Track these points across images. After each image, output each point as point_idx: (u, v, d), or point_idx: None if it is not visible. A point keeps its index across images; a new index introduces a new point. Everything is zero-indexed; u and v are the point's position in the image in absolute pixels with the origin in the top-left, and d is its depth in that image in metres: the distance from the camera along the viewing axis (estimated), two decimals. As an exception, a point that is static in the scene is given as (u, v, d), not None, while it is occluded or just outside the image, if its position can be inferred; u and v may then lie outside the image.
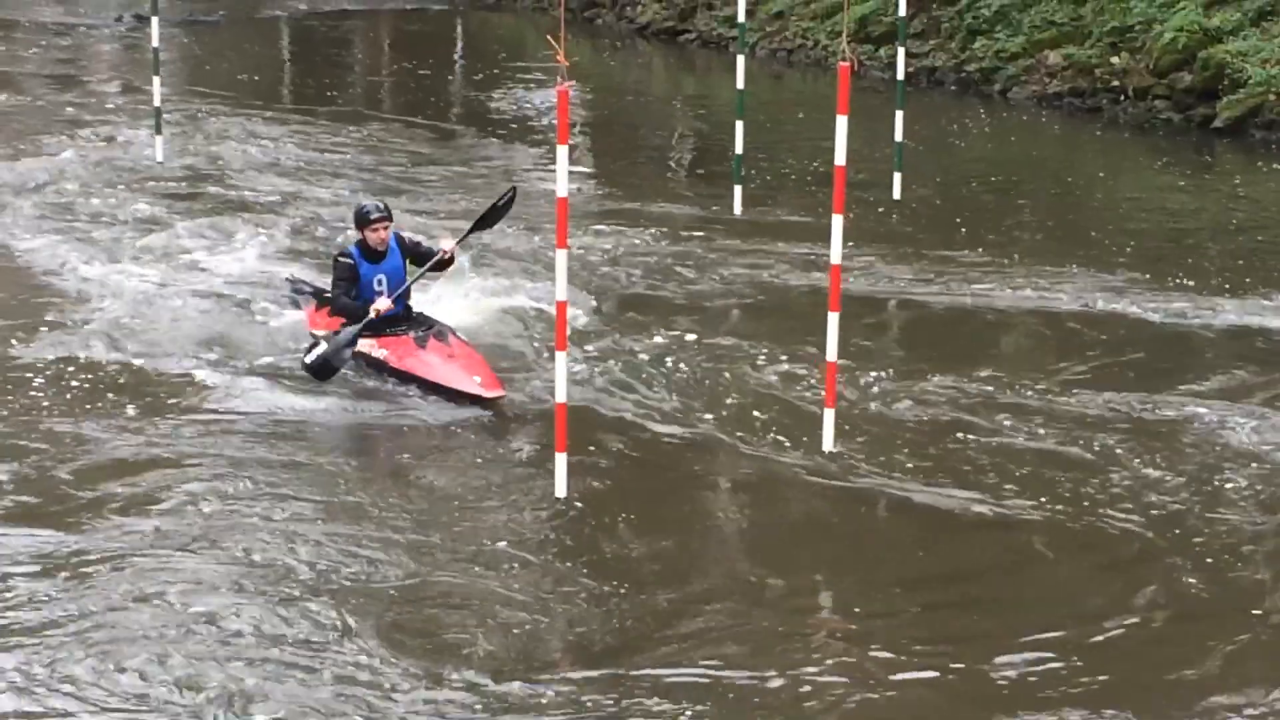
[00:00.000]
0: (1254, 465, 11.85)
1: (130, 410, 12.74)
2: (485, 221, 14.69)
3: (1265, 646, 9.49)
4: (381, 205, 13.84)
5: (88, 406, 12.78)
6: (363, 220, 13.57)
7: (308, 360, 13.27)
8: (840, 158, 11.51)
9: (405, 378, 13.35)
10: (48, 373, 13.47)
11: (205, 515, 10.86)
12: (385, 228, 13.55)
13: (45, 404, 12.85)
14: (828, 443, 11.73)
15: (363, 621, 9.45)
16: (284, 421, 12.70)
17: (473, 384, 12.98)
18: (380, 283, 13.55)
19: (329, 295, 14.02)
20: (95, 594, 9.66)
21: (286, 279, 15.70)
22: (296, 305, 15.05)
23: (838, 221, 11.44)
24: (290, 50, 33.66)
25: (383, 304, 13.37)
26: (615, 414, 12.91)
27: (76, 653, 8.91)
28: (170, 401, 13.02)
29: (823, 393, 12.16)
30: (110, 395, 13.07)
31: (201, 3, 37.10)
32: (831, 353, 11.58)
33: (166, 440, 12.18)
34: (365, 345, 13.44)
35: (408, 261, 13.76)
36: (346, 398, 13.26)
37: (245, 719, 8.43)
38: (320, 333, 13.92)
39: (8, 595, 9.64)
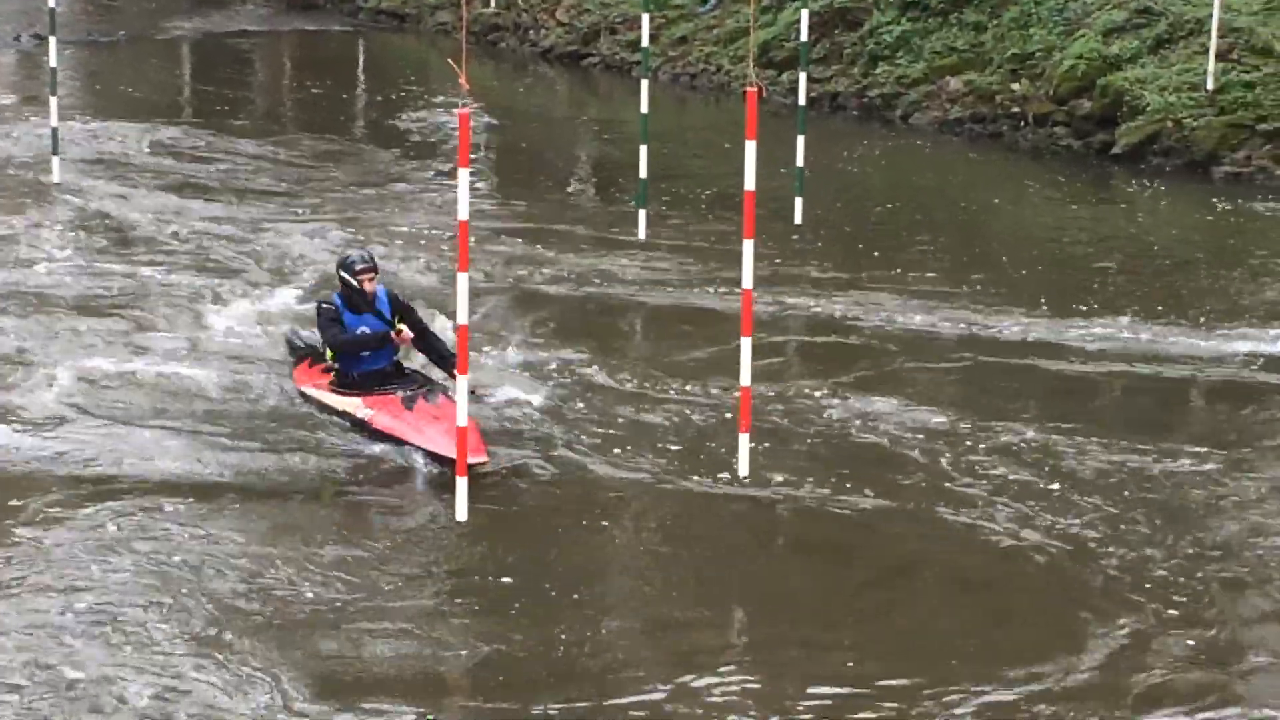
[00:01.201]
0: (1149, 488, 12.01)
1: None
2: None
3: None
4: (367, 255, 13.51)
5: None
6: (348, 269, 13.19)
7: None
8: (750, 183, 11.52)
9: (386, 438, 12.81)
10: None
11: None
12: (370, 279, 13.15)
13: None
14: (743, 468, 11.54)
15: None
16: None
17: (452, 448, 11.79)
18: (365, 333, 13.17)
19: (316, 348, 13.72)
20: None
21: (285, 333, 14.79)
22: (294, 359, 14.28)
23: (749, 246, 11.45)
24: (191, 69, 33.34)
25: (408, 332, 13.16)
26: (518, 442, 12.90)
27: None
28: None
29: (731, 416, 12.21)
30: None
31: (101, 23, 36.76)
32: (745, 378, 11.58)
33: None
34: (350, 405, 13.07)
35: (397, 318, 13.16)
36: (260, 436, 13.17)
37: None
38: (310, 390, 13.56)
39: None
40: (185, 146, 24.35)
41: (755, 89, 11.76)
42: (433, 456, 12.31)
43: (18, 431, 12.81)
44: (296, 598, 10.24)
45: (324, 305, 13.26)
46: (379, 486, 12.25)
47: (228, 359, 14.63)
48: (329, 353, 13.35)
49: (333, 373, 13.39)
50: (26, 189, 21.03)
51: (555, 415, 13.44)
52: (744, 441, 11.71)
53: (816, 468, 12.46)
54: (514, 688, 9.26)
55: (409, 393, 12.99)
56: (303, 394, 13.56)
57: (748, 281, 11.57)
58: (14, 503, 11.54)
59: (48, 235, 18.80)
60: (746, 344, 11.53)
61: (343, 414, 13.06)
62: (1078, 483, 12.22)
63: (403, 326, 13.10)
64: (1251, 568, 10.86)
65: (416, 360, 13.73)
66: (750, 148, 11.44)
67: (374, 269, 13.25)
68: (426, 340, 13.36)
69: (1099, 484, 12.19)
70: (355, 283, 13.08)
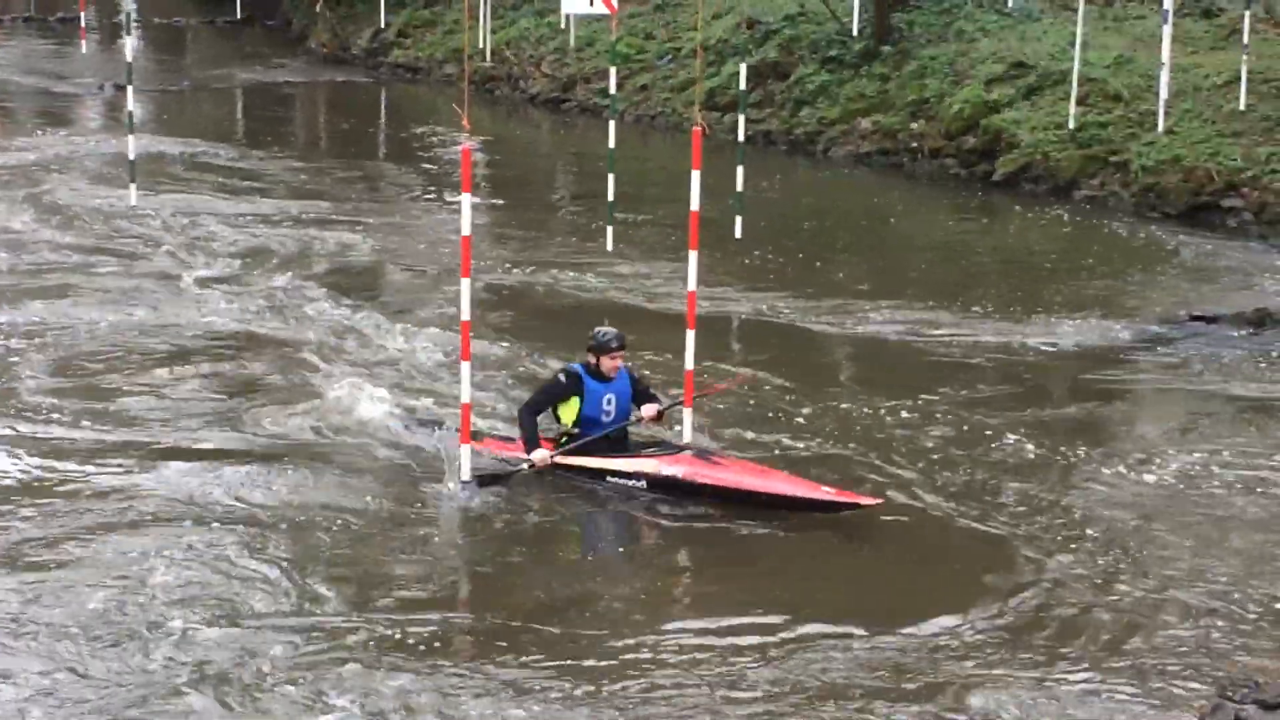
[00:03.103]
0: (1028, 472, 11.96)
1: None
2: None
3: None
4: (621, 336, 11.38)
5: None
6: (603, 349, 11.19)
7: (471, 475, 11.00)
8: (695, 204, 11.46)
9: (720, 493, 10.79)
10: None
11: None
12: (621, 358, 11.34)
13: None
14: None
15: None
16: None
17: (820, 491, 10.60)
18: (609, 402, 11.28)
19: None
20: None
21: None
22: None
23: (694, 257, 11.43)
24: (243, 110, 33.14)
25: (539, 456, 11.11)
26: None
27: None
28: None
29: (677, 391, 12.14)
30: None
31: (169, 76, 36.52)
32: (689, 362, 11.47)
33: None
34: (648, 466, 11.04)
35: (633, 393, 11.45)
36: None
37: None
38: (506, 455, 11.49)
39: None
40: (239, 174, 24.23)
41: (700, 128, 11.83)
42: (815, 504, 10.56)
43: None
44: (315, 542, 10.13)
45: (564, 376, 11.31)
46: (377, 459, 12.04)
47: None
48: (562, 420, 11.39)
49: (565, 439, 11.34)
50: (109, 211, 20.85)
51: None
52: (688, 415, 11.62)
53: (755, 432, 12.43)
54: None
55: (695, 451, 11.26)
56: (555, 465, 11.25)
57: (692, 284, 11.56)
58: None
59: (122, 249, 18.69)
60: (691, 335, 11.50)
61: (634, 474, 11.04)
62: (935, 446, 12.18)
63: (643, 412, 11.40)
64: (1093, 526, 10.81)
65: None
66: (695, 176, 11.46)
67: (624, 349, 11.39)
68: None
69: (954, 447, 12.17)
70: (609, 359, 11.23)
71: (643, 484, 11.00)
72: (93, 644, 8.53)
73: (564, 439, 11.31)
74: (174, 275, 17.36)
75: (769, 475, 10.91)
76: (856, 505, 10.50)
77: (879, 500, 10.73)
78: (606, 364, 11.22)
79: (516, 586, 9.64)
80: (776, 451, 11.94)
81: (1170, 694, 8.36)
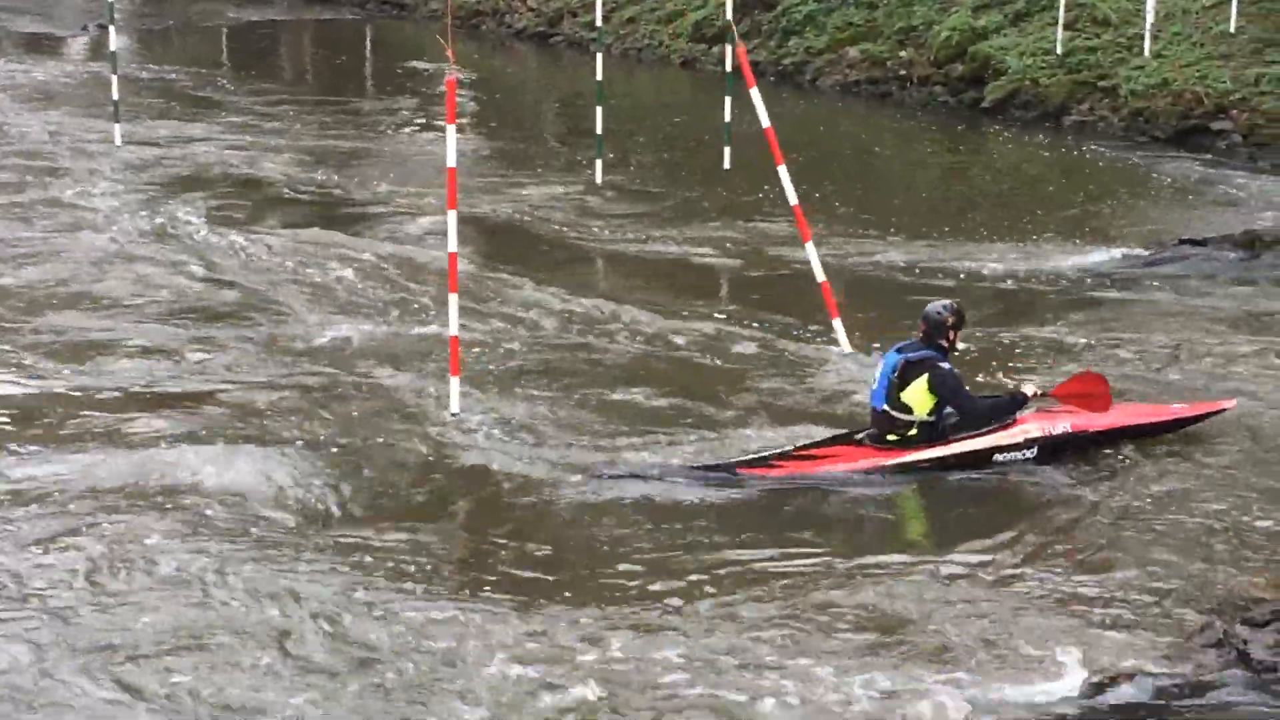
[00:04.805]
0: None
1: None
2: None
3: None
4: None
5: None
6: (961, 322, 10.27)
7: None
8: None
9: (1102, 437, 10.34)
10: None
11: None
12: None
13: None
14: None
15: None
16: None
17: (1182, 410, 10.59)
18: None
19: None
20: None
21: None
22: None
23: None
24: (228, 49, 32.87)
25: (1028, 388, 10.36)
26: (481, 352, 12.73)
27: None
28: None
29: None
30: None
31: (152, 16, 36.22)
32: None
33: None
34: (1024, 431, 10.24)
35: None
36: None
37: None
38: (953, 449, 10.21)
39: None
40: (226, 111, 24.02)
41: (743, 47, 11.33)
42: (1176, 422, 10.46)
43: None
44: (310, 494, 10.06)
45: (947, 369, 10.09)
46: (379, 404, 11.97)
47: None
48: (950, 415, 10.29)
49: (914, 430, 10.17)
50: (92, 152, 20.69)
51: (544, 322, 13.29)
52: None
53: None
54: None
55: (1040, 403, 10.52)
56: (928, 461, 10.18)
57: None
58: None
59: (111, 189, 18.51)
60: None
61: (1023, 444, 10.22)
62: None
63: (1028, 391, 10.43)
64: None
65: None
66: (755, 95, 11.18)
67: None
68: None
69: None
70: (956, 333, 10.27)
71: (1034, 451, 10.24)
72: (111, 564, 8.49)
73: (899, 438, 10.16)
74: (157, 211, 17.20)
75: (1126, 410, 10.56)
76: (1219, 410, 10.64)
77: (1233, 401, 10.83)
78: (955, 337, 10.27)
79: (505, 509, 9.59)
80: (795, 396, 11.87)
81: (1163, 615, 8.35)
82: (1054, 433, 10.28)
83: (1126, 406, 10.75)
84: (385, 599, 8.34)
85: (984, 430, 10.21)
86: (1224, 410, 10.70)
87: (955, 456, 10.15)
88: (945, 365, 10.08)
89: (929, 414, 10.11)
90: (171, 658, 7.64)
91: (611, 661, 7.71)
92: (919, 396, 10.06)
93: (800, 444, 10.24)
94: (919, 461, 10.09)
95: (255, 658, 7.65)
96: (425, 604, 8.31)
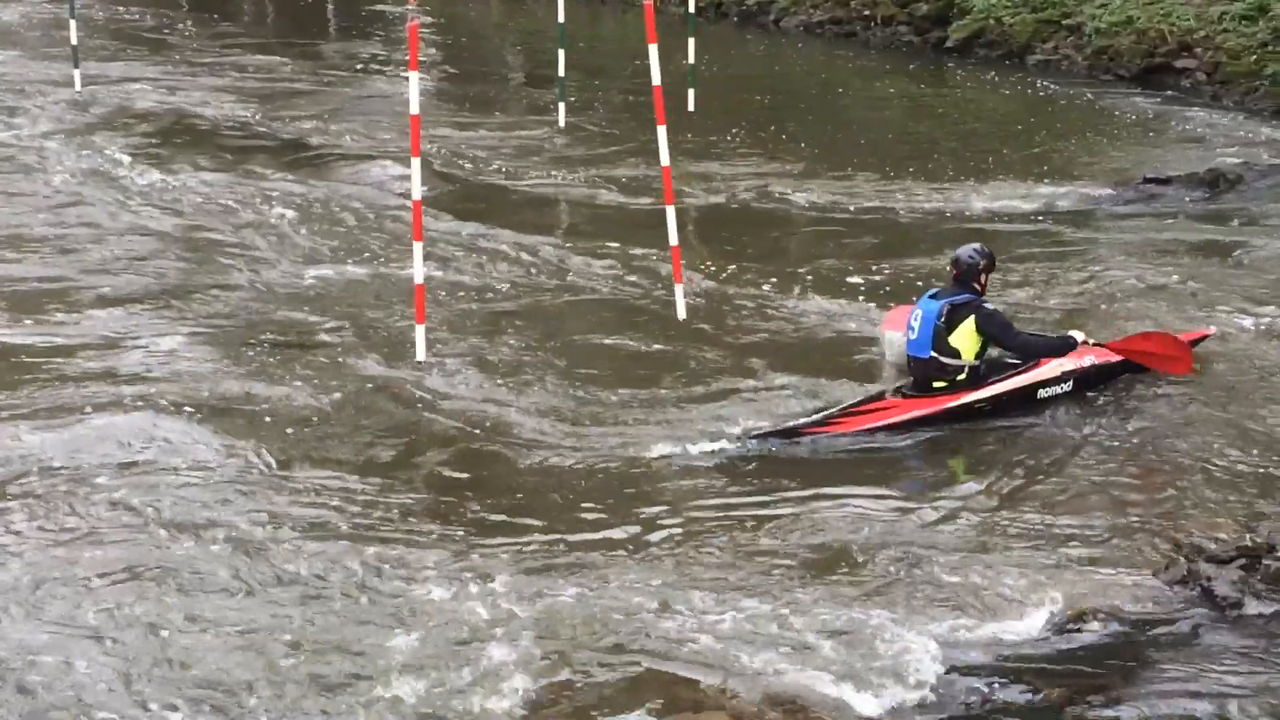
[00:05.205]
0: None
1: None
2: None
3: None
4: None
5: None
6: (992, 265, 10.34)
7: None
8: (656, 78, 11.16)
9: (1123, 369, 10.51)
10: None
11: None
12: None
13: None
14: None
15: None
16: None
17: (1180, 337, 10.60)
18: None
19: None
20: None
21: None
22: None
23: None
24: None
25: (1078, 335, 10.33)
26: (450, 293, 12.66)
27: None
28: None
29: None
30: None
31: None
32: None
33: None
34: (1068, 364, 10.27)
35: None
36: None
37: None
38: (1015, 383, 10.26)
39: None
40: (183, 57, 23.76)
41: (650, 2, 11.50)
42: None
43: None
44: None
45: (992, 309, 10.19)
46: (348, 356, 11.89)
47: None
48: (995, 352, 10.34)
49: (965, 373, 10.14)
50: (54, 98, 20.45)
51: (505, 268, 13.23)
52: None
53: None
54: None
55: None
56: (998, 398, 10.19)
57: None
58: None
59: (70, 134, 18.32)
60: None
61: (1061, 377, 10.30)
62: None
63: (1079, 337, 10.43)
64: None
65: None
66: (652, 50, 11.17)
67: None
68: None
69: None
70: (989, 275, 10.34)
71: (1070, 385, 10.31)
72: (114, 514, 8.47)
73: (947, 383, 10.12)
74: (116, 158, 17.02)
75: (1134, 339, 10.61)
76: (1204, 337, 10.89)
77: (1212, 329, 11.14)
78: (986, 279, 10.29)
79: (469, 455, 9.57)
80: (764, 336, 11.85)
81: (1134, 554, 8.41)
82: (1083, 365, 10.35)
83: (1135, 337, 10.73)
84: (336, 534, 8.38)
85: (1025, 367, 10.25)
86: (1207, 337, 10.95)
87: (1008, 394, 10.16)
88: (990, 305, 10.12)
89: (975, 357, 10.10)
90: (136, 584, 7.80)
91: (558, 602, 7.74)
92: (966, 340, 10.04)
93: (848, 404, 10.06)
94: (976, 402, 10.07)
95: (223, 582, 7.84)
96: (377, 542, 8.35)
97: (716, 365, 11.06)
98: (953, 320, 10.03)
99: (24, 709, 6.80)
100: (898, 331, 10.58)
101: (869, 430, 9.82)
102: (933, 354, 10.07)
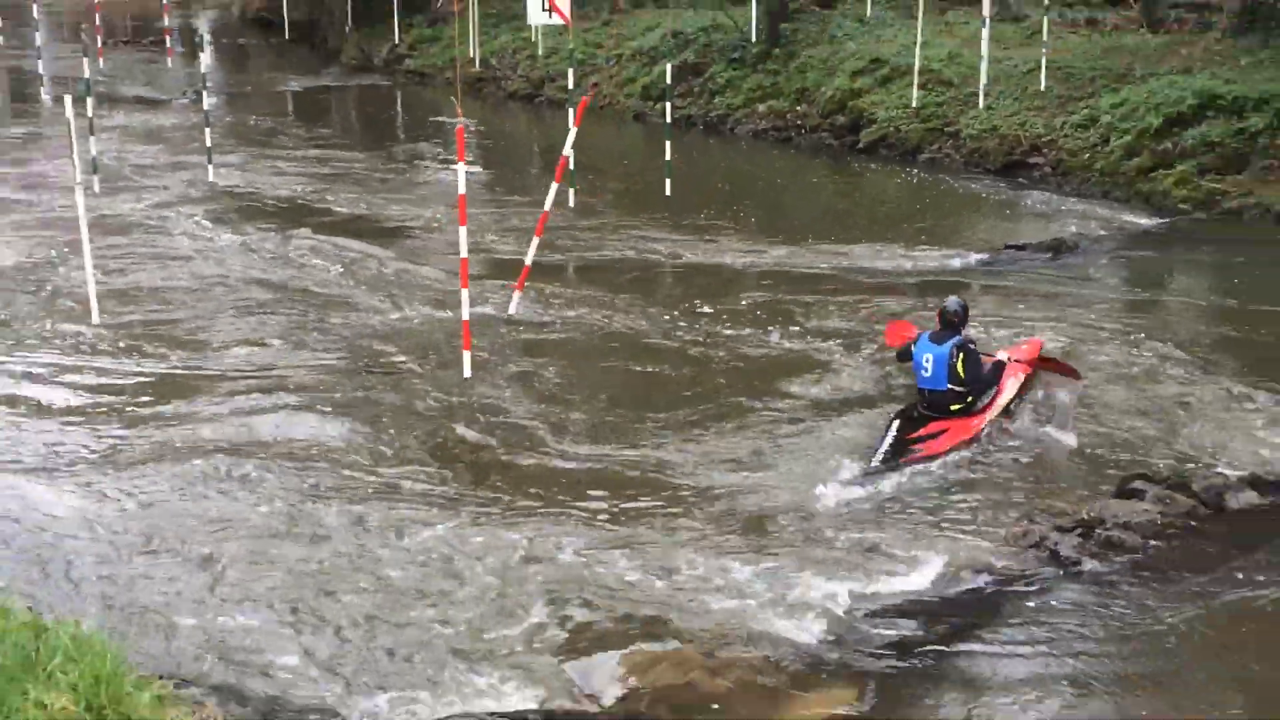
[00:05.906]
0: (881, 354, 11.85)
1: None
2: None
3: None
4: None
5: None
6: (967, 317, 10.24)
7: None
8: (567, 149, 11.04)
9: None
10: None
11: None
12: None
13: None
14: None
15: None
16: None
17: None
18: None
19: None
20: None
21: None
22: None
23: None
24: (293, 107, 32.42)
25: (1002, 355, 10.44)
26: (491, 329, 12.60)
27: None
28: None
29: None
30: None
31: (236, 83, 35.70)
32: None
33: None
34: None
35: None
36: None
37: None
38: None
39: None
40: (294, 156, 23.71)
41: (586, 98, 11.30)
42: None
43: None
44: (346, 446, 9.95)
45: (979, 350, 10.14)
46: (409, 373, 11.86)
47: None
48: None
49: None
50: (191, 185, 20.38)
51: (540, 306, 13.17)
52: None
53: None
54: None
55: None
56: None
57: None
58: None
59: (206, 212, 18.25)
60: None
61: (1018, 393, 10.18)
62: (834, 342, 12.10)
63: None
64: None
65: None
66: (572, 133, 11.06)
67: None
68: None
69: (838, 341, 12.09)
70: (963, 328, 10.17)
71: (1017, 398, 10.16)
72: (205, 483, 8.39)
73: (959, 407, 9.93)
74: (242, 229, 16.98)
75: (1028, 349, 10.49)
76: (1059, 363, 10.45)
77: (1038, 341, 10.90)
78: (968, 332, 10.27)
79: (504, 465, 9.53)
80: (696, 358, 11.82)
81: (1005, 524, 8.39)
82: (1021, 381, 10.23)
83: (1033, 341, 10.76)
84: (395, 521, 8.34)
85: (1001, 387, 10.12)
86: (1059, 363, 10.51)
87: (1006, 407, 10.03)
88: (972, 346, 9.99)
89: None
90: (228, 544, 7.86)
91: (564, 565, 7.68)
92: (962, 372, 9.89)
93: (906, 431, 9.59)
94: (996, 417, 9.92)
95: (292, 553, 7.81)
96: (429, 526, 8.30)
97: (714, 386, 11.03)
98: (955, 358, 9.87)
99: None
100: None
101: (952, 449, 9.49)
102: (950, 386, 9.89)
